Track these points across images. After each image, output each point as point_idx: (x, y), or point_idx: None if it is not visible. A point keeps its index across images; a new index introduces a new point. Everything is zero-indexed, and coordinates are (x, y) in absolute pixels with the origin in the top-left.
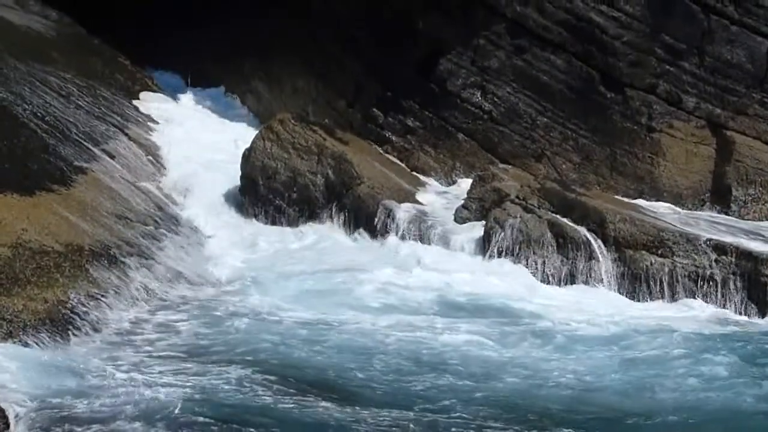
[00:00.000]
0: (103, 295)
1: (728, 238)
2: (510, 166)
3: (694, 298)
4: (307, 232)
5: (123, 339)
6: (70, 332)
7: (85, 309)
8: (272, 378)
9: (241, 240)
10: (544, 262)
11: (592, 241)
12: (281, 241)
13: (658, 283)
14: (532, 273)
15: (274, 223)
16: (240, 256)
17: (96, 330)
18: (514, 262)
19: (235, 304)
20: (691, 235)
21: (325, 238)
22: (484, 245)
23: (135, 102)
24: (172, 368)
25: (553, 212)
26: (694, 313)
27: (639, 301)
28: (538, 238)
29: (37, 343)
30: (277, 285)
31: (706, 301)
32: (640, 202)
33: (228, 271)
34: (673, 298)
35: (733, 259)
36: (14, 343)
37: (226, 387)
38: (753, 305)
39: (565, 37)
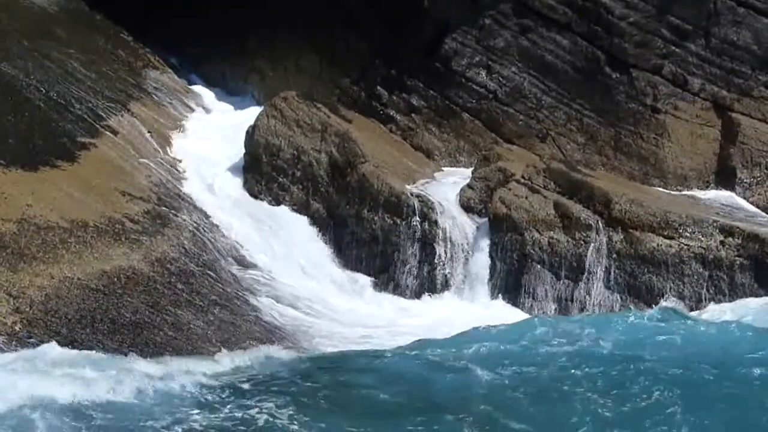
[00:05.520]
0: None
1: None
2: (514, 146)
3: None
4: None
5: None
6: None
7: None
8: None
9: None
10: None
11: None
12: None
13: None
14: None
15: (277, 201)
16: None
17: None
18: None
19: None
20: (698, 217)
21: None
22: None
23: (137, 78)
24: None
25: (558, 193)
26: None
27: None
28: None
29: None
30: None
31: None
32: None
33: None
34: None
35: (740, 241)
36: None
37: None
38: None
39: (571, 17)
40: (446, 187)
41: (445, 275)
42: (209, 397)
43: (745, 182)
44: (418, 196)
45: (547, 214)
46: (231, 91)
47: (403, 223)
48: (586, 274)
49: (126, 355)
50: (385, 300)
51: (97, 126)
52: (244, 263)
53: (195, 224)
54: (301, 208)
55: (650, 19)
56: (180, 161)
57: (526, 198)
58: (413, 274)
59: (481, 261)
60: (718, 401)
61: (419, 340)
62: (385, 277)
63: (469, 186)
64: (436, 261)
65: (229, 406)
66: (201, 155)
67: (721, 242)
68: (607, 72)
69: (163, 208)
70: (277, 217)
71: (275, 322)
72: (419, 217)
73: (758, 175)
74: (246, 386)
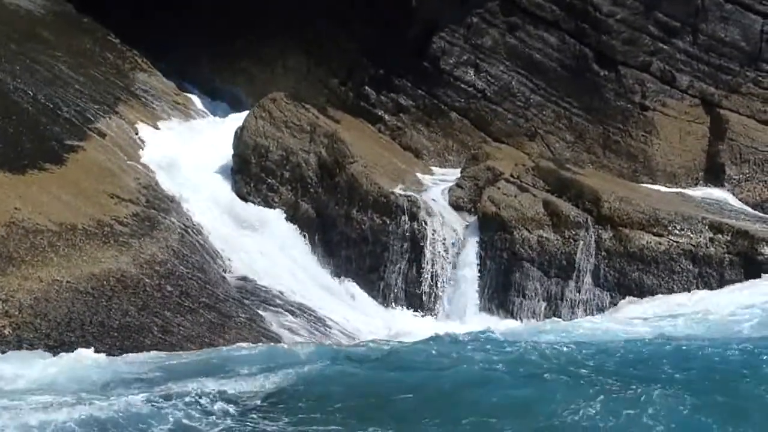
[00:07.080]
0: None
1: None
2: (503, 145)
3: None
4: None
5: None
6: None
7: None
8: None
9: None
10: None
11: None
12: None
13: None
14: None
15: (266, 202)
16: None
17: None
18: None
19: None
20: (687, 214)
21: None
22: None
23: (125, 80)
24: None
25: (547, 191)
26: None
27: None
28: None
29: None
30: None
31: None
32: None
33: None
34: None
35: (729, 238)
36: None
37: None
38: None
39: (559, 15)
40: (435, 186)
41: (434, 275)
42: (206, 401)
43: (734, 179)
44: (406, 195)
45: (536, 212)
46: (219, 92)
47: (392, 222)
48: (575, 272)
49: (116, 357)
50: (375, 300)
51: (85, 129)
52: (232, 265)
53: (184, 226)
54: (290, 208)
55: (638, 16)
56: (168, 163)
57: (515, 197)
58: (402, 273)
59: (471, 260)
60: (712, 394)
61: (415, 341)
62: (375, 277)
63: (458, 185)
64: (425, 260)
65: (228, 410)
66: (190, 157)
67: (711, 239)
68: (595, 69)
69: (152, 210)
70: (265, 218)
71: (265, 324)
72: (408, 216)
73: (747, 171)
74: (239, 389)
